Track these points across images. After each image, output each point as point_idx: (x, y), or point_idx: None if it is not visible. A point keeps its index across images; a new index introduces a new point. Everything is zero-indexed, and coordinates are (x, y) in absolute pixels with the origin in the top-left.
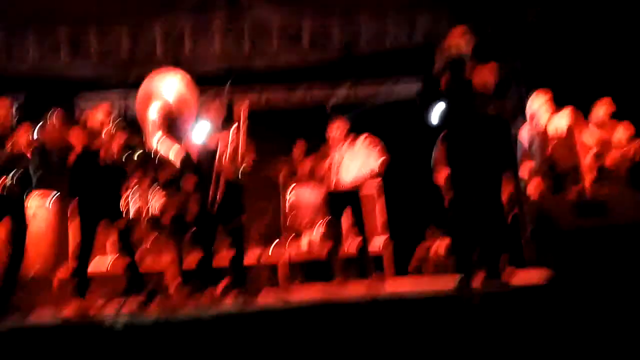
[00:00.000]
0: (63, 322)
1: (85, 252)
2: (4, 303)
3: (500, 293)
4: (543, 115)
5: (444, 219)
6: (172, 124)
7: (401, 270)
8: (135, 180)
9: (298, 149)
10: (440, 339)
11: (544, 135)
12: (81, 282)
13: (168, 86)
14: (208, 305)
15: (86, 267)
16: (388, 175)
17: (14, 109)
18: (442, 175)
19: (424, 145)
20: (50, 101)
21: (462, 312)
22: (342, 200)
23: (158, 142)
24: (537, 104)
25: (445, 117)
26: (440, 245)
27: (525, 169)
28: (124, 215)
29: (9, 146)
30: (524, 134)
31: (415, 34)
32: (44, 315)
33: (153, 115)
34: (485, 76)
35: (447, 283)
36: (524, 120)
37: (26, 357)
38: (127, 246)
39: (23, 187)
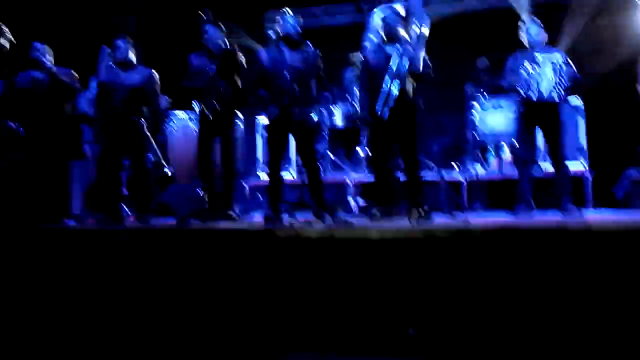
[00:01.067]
0: None
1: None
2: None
3: None
4: None
5: None
6: None
7: (604, 201)
8: None
9: (481, 61)
10: None
11: None
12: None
13: None
14: (386, 221)
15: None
16: (589, 93)
17: None
18: None
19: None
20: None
21: None
22: (538, 115)
23: None
24: None
25: None
26: None
27: None
28: None
29: None
30: None
31: None
32: None
33: None
34: None
35: None
36: None
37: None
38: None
39: None
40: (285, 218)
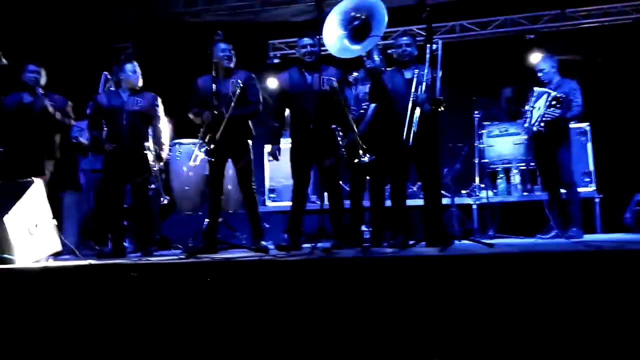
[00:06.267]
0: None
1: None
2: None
3: None
4: None
5: None
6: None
7: (610, 225)
8: None
9: (504, 91)
10: None
11: None
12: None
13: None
14: (401, 243)
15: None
16: (598, 117)
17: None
18: None
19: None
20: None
21: None
22: (545, 142)
23: None
24: None
25: None
26: None
27: None
28: None
29: None
30: None
31: None
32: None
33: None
34: None
35: None
36: None
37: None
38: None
39: None
40: (306, 248)
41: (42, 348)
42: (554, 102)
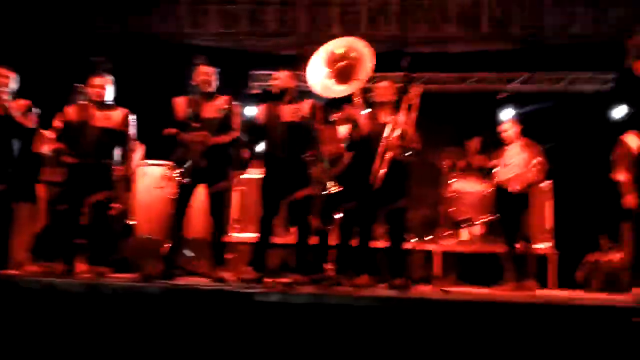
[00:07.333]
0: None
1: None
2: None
3: None
4: None
5: (620, 226)
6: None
7: (566, 281)
8: None
9: (472, 143)
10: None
11: None
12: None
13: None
14: (360, 289)
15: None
16: (560, 176)
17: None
18: (622, 176)
19: (600, 144)
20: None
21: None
22: (508, 199)
23: None
24: None
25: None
26: (613, 258)
27: None
28: None
29: None
30: None
31: (603, 26)
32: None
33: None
34: None
35: (622, 298)
36: None
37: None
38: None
39: None
40: (267, 280)
41: None
42: (536, 168)
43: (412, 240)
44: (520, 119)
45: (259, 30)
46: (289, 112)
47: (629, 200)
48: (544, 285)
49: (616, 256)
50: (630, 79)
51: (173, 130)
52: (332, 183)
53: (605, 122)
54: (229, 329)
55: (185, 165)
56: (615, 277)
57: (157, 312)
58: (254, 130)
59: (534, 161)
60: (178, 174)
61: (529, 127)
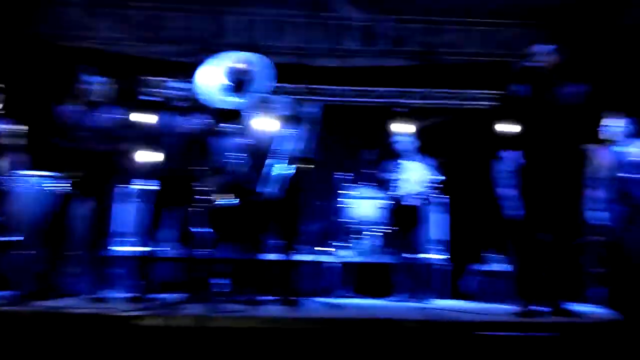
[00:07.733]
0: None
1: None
2: None
3: (560, 326)
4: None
5: (504, 240)
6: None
7: (454, 292)
8: None
9: (369, 155)
10: None
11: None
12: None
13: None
14: (249, 306)
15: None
16: (453, 190)
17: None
18: (503, 190)
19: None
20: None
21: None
22: (403, 212)
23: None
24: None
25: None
26: (497, 269)
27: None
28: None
29: None
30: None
31: (495, 46)
32: None
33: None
34: (568, 98)
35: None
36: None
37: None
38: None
39: None
40: (156, 298)
41: None
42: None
43: (305, 252)
44: (417, 133)
45: (153, 36)
46: (182, 122)
47: (510, 214)
48: (438, 296)
49: (499, 267)
50: (512, 98)
51: (56, 140)
52: (223, 195)
53: (495, 138)
54: (104, 356)
55: (67, 176)
56: (496, 287)
57: (26, 337)
58: (143, 139)
59: (429, 175)
60: (60, 185)
61: (425, 142)
